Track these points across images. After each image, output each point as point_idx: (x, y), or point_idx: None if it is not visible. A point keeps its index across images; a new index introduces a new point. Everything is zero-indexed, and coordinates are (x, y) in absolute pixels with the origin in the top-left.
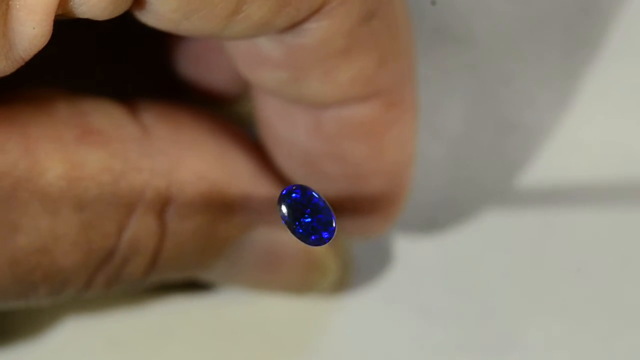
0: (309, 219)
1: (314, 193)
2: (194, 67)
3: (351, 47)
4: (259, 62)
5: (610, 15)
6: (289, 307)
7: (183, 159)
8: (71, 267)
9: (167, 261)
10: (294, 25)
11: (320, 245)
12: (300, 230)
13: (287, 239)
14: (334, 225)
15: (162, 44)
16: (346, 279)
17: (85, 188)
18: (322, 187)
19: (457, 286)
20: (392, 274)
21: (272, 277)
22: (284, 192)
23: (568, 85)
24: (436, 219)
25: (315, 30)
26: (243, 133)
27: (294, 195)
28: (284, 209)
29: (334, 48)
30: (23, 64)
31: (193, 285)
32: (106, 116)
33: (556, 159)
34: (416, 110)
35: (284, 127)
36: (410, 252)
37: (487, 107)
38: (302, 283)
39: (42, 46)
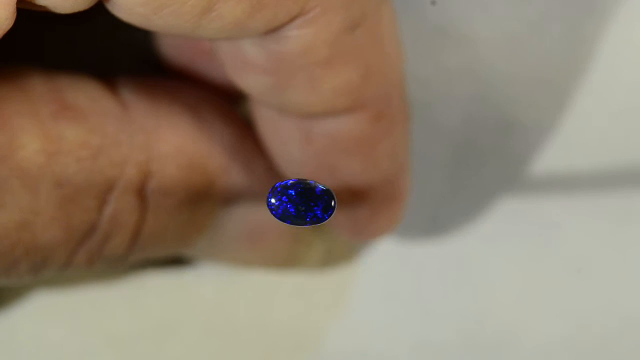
0: (308, 209)
1: (310, 182)
2: (195, 62)
3: (334, 57)
4: (244, 66)
5: (610, 14)
6: (290, 306)
7: (162, 133)
8: (52, 243)
9: (149, 237)
10: (273, 30)
11: (317, 224)
12: (301, 214)
13: (266, 213)
14: (333, 204)
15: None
16: (334, 253)
17: (64, 163)
18: None
19: (457, 286)
20: (392, 273)
21: (256, 252)
22: (278, 189)
23: (568, 85)
24: (436, 219)
25: (297, 37)
26: (224, 105)
27: (290, 191)
28: (274, 200)
29: (317, 57)
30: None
31: (192, 285)
32: (83, 91)
33: (556, 159)
34: (407, 121)
35: (277, 140)
36: (410, 252)
37: (487, 107)
38: (287, 257)
39: (7, 29)
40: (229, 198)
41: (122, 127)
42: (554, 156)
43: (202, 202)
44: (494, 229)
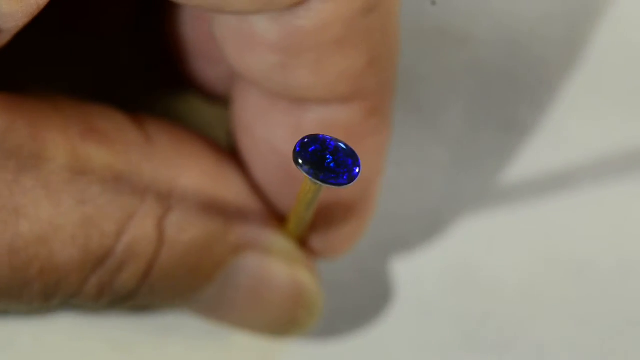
0: (332, 164)
1: (326, 137)
2: (195, 61)
3: (347, 38)
4: (250, 45)
5: (611, 14)
6: None
7: (184, 169)
8: (67, 264)
9: (160, 274)
10: (300, 2)
11: (347, 184)
12: (326, 176)
13: (276, 269)
14: (358, 161)
15: (163, 36)
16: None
17: (88, 182)
18: (295, 195)
19: (457, 286)
20: (393, 273)
21: (258, 310)
22: (297, 149)
23: (568, 84)
24: (436, 219)
25: (318, 11)
26: (230, 154)
27: (312, 148)
28: (304, 164)
29: (330, 35)
30: (37, 10)
31: None
32: (110, 119)
33: (556, 159)
34: (391, 128)
35: (263, 128)
36: (411, 251)
37: (487, 107)
38: (288, 321)
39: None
40: (241, 244)
41: (145, 158)
42: (554, 156)
43: (216, 244)
44: (494, 229)
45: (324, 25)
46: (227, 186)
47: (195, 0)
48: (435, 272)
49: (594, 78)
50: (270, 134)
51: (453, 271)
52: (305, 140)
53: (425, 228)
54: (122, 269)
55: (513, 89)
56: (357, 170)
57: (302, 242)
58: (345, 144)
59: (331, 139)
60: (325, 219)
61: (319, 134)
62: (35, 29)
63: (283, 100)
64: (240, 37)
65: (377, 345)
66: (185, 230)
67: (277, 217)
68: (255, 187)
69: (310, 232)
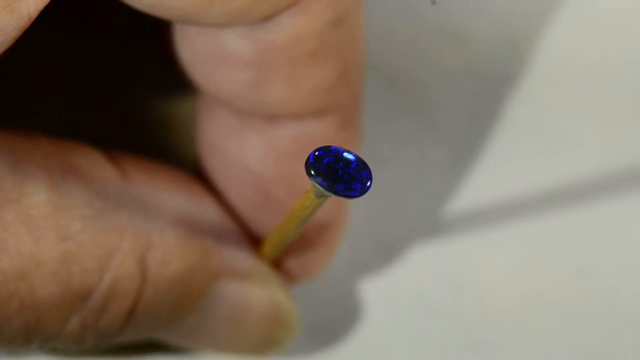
0: (345, 175)
1: (338, 148)
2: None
3: (319, 51)
4: (223, 64)
5: (611, 15)
6: None
7: (160, 203)
8: (48, 300)
9: (145, 311)
10: (270, 17)
11: (359, 196)
12: (340, 188)
13: (254, 294)
14: (370, 174)
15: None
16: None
17: (69, 218)
18: (271, 216)
19: (458, 286)
20: (392, 273)
21: (239, 334)
22: (311, 160)
23: (568, 84)
24: (436, 219)
25: (290, 26)
26: (201, 180)
27: (325, 160)
28: (317, 176)
29: (303, 49)
30: (29, 23)
31: None
32: (86, 156)
33: (556, 159)
34: (361, 139)
35: (235, 149)
36: (411, 251)
37: (487, 107)
38: (266, 341)
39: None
40: (221, 272)
41: (123, 195)
42: (554, 156)
43: (197, 274)
44: (494, 229)
45: (296, 39)
46: (202, 214)
47: (170, 14)
48: (435, 272)
49: (594, 78)
50: (243, 154)
51: (453, 271)
52: (319, 153)
53: (425, 228)
54: (106, 309)
55: (513, 89)
56: (369, 183)
57: (276, 266)
58: (356, 155)
59: (343, 151)
60: (299, 240)
61: (331, 146)
62: (40, 28)
63: (255, 119)
64: (212, 58)
65: (377, 345)
66: (167, 264)
67: (251, 239)
68: (228, 210)
69: (285, 255)
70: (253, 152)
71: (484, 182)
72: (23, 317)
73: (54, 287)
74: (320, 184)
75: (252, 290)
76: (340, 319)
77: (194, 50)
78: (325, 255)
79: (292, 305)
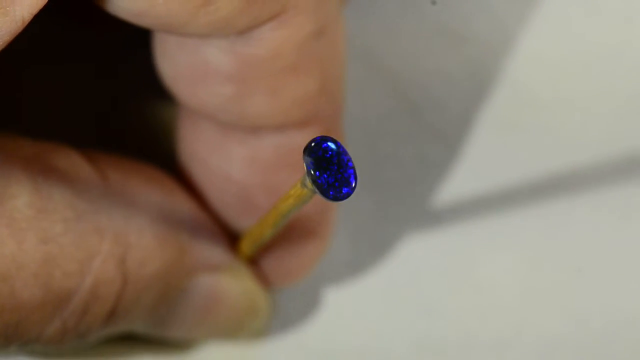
0: (331, 178)
1: (341, 147)
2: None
3: (300, 64)
4: (204, 78)
5: (611, 15)
6: None
7: (138, 202)
8: (29, 302)
9: (124, 311)
10: (250, 29)
11: (339, 200)
12: (320, 182)
13: (227, 286)
14: (353, 183)
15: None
16: (268, 325)
17: (51, 221)
18: (254, 220)
19: (458, 285)
20: (393, 273)
21: (210, 323)
22: (312, 144)
23: (569, 84)
24: (436, 219)
25: (270, 40)
26: (176, 179)
27: (324, 144)
28: (308, 159)
29: (284, 61)
30: (23, 26)
31: None
32: (67, 158)
33: (556, 159)
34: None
35: (217, 159)
36: (411, 251)
37: (486, 107)
38: (237, 327)
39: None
40: (195, 267)
41: (102, 196)
42: (553, 156)
43: (174, 271)
44: (494, 228)
45: (276, 52)
46: (176, 210)
47: (155, 23)
48: (436, 272)
49: (594, 78)
50: (226, 165)
51: (453, 271)
52: (324, 145)
53: (425, 228)
54: (87, 311)
55: (513, 89)
56: (354, 185)
57: (254, 266)
58: (352, 163)
59: (344, 152)
60: (281, 242)
61: (337, 141)
62: (39, 25)
63: (237, 131)
64: (193, 72)
65: (377, 345)
66: (146, 264)
67: (228, 236)
68: (209, 212)
69: (264, 258)
70: (235, 163)
71: (484, 182)
72: (3, 319)
73: (35, 289)
74: (308, 164)
75: (225, 282)
76: (340, 318)
77: (174, 65)
78: (309, 259)
79: (262, 293)
